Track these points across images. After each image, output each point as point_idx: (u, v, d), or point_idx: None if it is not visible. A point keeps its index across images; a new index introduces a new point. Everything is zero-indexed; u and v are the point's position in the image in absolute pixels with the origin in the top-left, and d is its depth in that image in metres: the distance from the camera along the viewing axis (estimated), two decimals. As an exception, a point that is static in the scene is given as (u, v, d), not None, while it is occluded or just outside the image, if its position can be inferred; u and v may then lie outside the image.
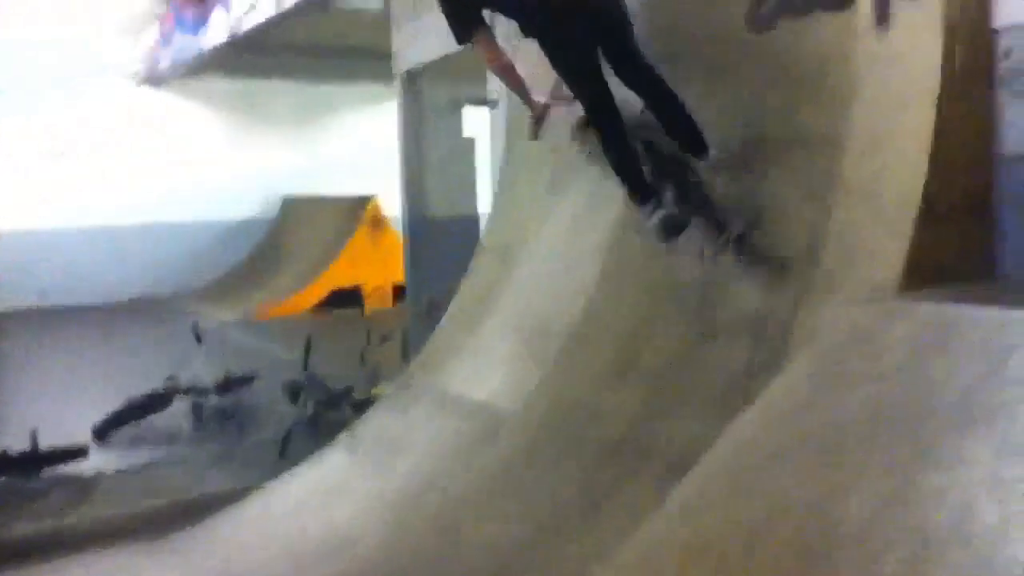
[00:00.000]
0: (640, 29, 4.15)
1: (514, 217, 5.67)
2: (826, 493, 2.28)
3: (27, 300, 12.47)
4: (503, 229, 5.66)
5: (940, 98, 3.09)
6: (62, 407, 7.07)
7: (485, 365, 4.81)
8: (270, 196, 14.37)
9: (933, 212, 3.02)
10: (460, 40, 3.83)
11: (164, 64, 12.77)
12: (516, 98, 5.91)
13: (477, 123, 9.99)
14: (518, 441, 4.20)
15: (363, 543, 3.98)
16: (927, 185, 3.04)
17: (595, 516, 3.45)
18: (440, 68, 8.20)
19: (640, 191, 3.85)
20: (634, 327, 4.16)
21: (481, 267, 5.47)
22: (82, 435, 5.89)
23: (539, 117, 4.11)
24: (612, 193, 4.68)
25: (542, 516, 3.63)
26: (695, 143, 3.83)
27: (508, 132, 6.04)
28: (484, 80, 8.30)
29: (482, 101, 7.42)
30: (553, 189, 5.33)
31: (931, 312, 2.53)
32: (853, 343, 2.68)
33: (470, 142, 9.12)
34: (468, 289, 5.43)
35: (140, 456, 5.76)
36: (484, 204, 8.55)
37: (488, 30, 3.85)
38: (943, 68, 3.10)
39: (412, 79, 8.50)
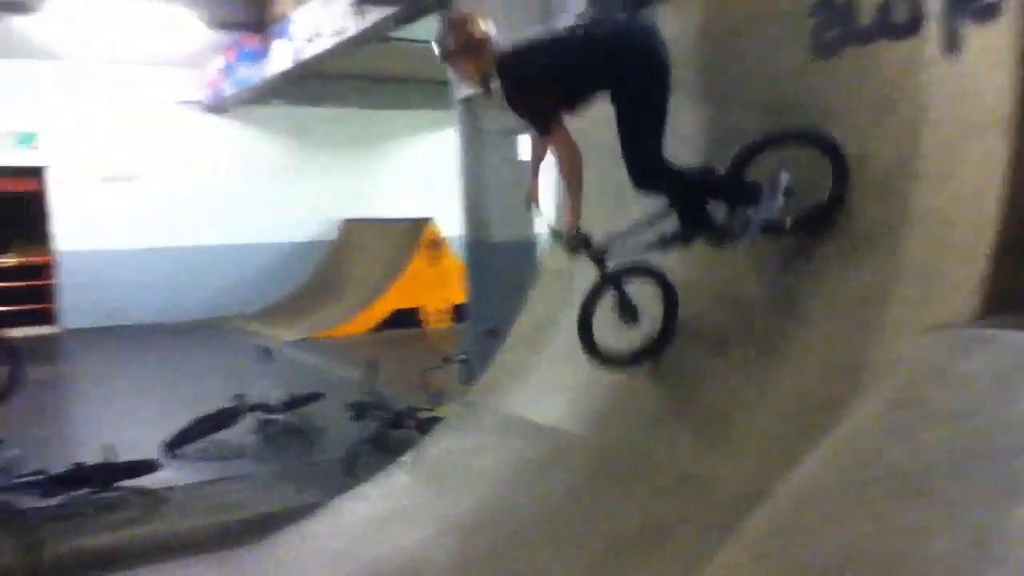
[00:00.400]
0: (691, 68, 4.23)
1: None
2: (908, 532, 2.21)
3: (98, 318, 12.85)
4: (559, 253, 5.70)
5: (1014, 124, 3.06)
6: (131, 422, 7.25)
7: (549, 390, 4.82)
8: (330, 219, 14.63)
9: (1009, 240, 2.98)
10: (542, 133, 3.92)
11: (228, 92, 13.13)
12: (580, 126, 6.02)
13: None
14: (582, 469, 4.20)
15: (429, 568, 3.98)
16: (1002, 212, 3.00)
17: (659, 550, 3.40)
18: (497, 95, 8.29)
19: (738, 199, 3.93)
20: (701, 356, 4.16)
21: (544, 290, 5.50)
22: (151, 449, 6.00)
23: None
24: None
25: (604, 547, 3.60)
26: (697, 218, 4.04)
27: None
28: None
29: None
30: (615, 214, 5.36)
31: (1013, 340, 2.47)
32: (931, 374, 2.62)
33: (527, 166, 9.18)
34: (531, 312, 5.46)
35: (209, 471, 5.86)
36: (541, 227, 8.63)
37: (563, 123, 3.90)
38: (1016, 93, 3.08)
39: (470, 106, 8.61)
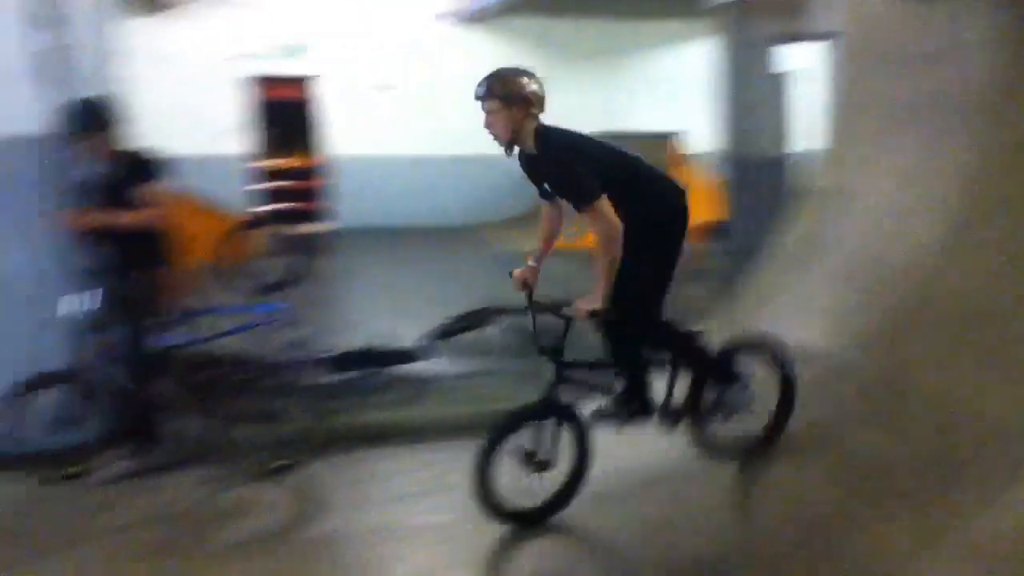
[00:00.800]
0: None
1: (846, 160, 5.40)
2: None
3: (365, 219, 13.78)
4: (833, 172, 5.41)
5: None
6: (394, 315, 7.77)
7: (812, 312, 4.65)
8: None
9: None
10: (585, 202, 3.50)
11: (478, 4, 13.38)
12: (857, 30, 5.62)
13: (795, 58, 9.54)
14: (847, 394, 4.07)
15: (694, 479, 4.00)
16: None
17: (934, 484, 3.23)
18: (755, 3, 7.89)
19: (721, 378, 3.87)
20: (983, 293, 3.84)
21: (808, 209, 5.28)
22: (412, 341, 6.43)
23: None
24: (955, 143, 4.33)
25: (870, 477, 3.50)
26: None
27: (847, 68, 5.72)
28: (800, 15, 7.86)
29: (818, 35, 7.06)
30: (891, 132, 5.01)
31: None
32: None
33: (785, 78, 8.74)
34: (793, 231, 5.27)
35: (465, 365, 6.21)
36: (797, 143, 8.23)
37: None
38: None
39: (728, 14, 8.26)
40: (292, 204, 13.59)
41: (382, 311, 8.06)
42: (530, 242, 12.40)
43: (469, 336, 6.74)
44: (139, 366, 4.38)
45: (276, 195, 13.69)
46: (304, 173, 14.08)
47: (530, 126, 3.63)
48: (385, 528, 3.91)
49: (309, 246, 9.48)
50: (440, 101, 14.27)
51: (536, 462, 3.63)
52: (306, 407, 4.76)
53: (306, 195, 14.02)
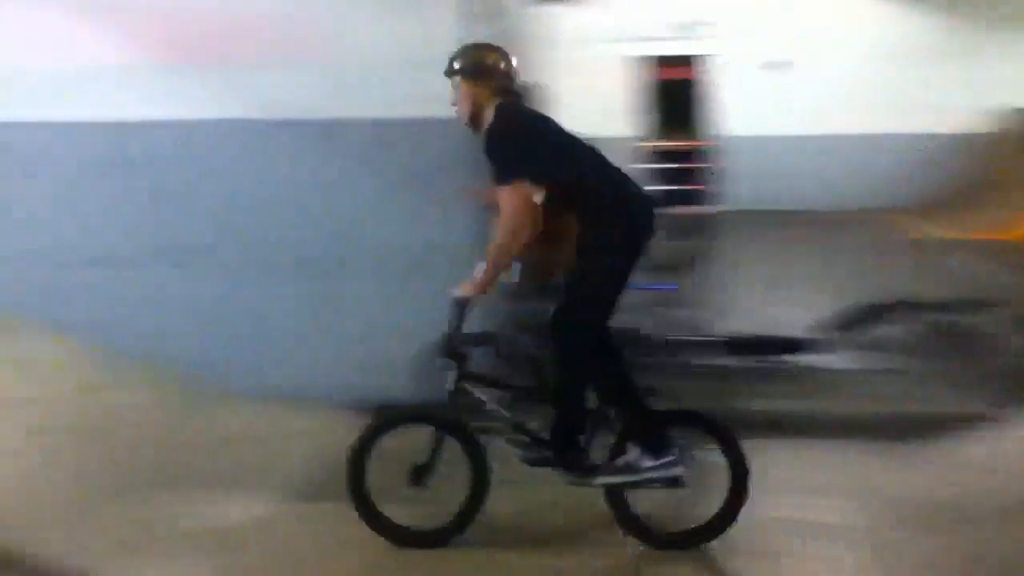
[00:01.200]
0: None
1: None
2: None
3: (751, 201, 13.44)
4: None
5: None
6: (780, 301, 7.51)
7: None
8: (996, 108, 13.02)
9: None
10: (505, 180, 3.26)
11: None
12: None
13: None
14: None
15: None
16: None
17: None
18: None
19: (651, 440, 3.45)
20: None
21: None
22: (796, 329, 6.10)
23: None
24: None
25: None
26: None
27: None
28: None
29: None
30: None
31: None
32: None
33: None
34: None
35: (862, 361, 5.83)
36: None
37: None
38: None
39: None
40: (681, 185, 13.65)
41: (772, 297, 7.83)
42: (943, 229, 11.50)
43: (873, 330, 6.30)
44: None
45: (665, 176, 13.83)
46: (693, 154, 14.08)
47: (493, 104, 3.43)
48: (779, 520, 3.81)
49: (699, 228, 9.51)
50: (840, 78, 13.49)
51: (413, 475, 3.47)
52: (698, 389, 4.82)
53: (695, 176, 14.01)
